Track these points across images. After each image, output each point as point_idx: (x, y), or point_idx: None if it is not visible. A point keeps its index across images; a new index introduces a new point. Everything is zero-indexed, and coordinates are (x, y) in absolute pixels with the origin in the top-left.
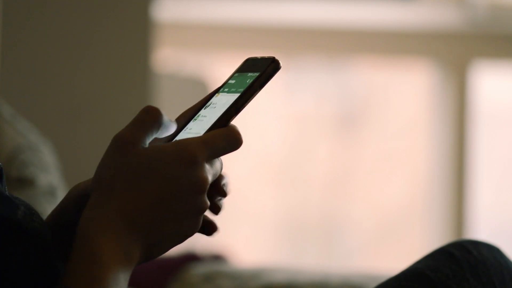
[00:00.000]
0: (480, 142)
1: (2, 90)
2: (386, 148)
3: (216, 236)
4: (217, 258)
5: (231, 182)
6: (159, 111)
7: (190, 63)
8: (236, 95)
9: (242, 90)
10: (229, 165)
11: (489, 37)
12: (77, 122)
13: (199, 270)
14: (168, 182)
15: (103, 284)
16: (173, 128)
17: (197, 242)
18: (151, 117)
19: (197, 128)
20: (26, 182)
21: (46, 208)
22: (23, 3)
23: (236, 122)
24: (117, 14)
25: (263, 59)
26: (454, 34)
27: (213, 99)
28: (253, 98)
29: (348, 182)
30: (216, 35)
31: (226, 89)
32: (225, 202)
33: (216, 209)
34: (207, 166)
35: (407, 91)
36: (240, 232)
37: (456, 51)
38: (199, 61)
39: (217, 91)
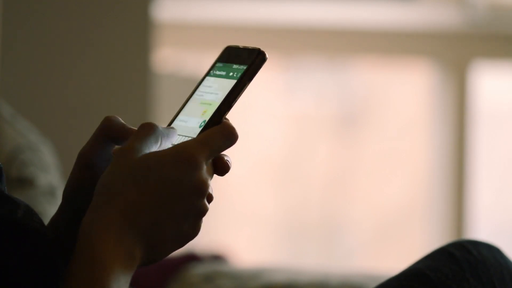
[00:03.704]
0: (480, 142)
1: (2, 90)
2: (386, 148)
3: (216, 236)
4: (217, 258)
5: (231, 183)
6: (153, 124)
7: (190, 63)
8: (226, 89)
9: (232, 84)
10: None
11: (489, 37)
12: (77, 122)
13: (199, 270)
14: (169, 183)
15: (104, 285)
16: (174, 134)
17: (197, 242)
18: (146, 130)
19: (189, 119)
20: (26, 182)
21: (46, 208)
22: (23, 3)
23: (236, 122)
24: (117, 14)
25: (247, 50)
26: (454, 34)
27: (201, 86)
28: (243, 91)
29: (348, 182)
30: (216, 35)
31: (212, 79)
32: (226, 202)
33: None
34: (205, 168)
35: (407, 91)
36: (240, 232)
37: (456, 51)
38: (199, 61)
39: (203, 79)
